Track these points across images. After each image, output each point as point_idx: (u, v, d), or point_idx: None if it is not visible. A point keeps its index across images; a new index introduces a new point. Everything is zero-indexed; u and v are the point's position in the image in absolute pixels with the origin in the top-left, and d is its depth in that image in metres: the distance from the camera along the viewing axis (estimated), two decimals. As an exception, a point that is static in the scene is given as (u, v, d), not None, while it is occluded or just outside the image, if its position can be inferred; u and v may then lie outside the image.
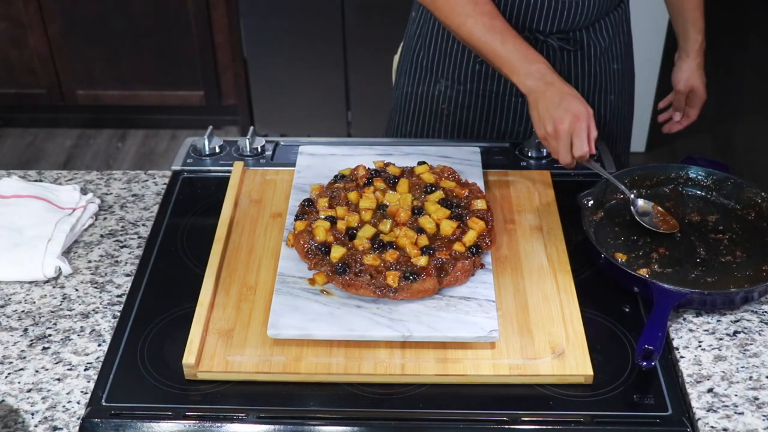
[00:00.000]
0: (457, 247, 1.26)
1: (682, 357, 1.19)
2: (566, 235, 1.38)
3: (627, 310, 1.27)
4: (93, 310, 1.28)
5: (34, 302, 1.30)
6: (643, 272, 1.29)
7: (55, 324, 1.26)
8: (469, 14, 1.48)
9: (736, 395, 1.14)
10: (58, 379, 1.17)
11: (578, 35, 1.65)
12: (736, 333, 1.23)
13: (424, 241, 1.27)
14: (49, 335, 1.24)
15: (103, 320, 1.26)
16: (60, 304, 1.29)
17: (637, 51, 3.26)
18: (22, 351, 1.22)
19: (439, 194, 1.35)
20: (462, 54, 1.66)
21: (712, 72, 4.16)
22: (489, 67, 1.63)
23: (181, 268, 1.35)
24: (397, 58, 1.87)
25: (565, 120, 1.38)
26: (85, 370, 1.19)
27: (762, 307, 1.28)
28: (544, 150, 1.58)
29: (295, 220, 1.34)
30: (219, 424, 1.11)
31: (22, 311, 1.28)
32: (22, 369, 1.19)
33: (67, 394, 1.15)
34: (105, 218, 1.47)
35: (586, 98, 1.60)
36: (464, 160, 1.50)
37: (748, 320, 1.26)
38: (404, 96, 1.79)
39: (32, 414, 1.12)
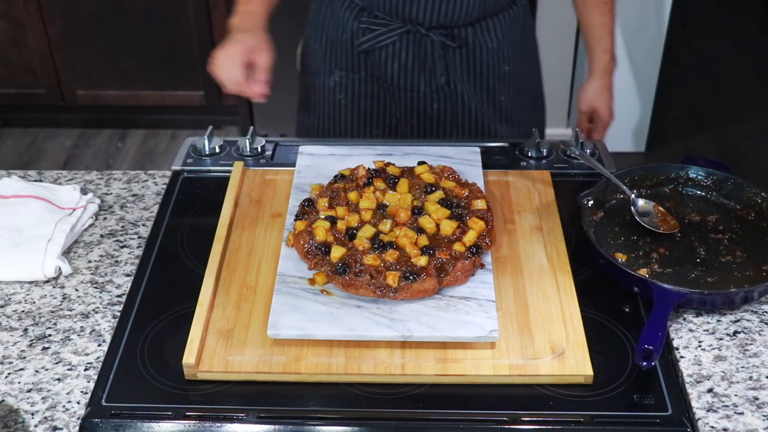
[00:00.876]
0: (457, 247, 1.26)
1: (682, 357, 1.19)
2: (566, 235, 1.38)
3: (627, 310, 1.27)
4: (93, 310, 1.28)
5: (34, 302, 1.30)
6: (643, 272, 1.29)
7: (55, 324, 1.26)
8: None
9: (736, 395, 1.14)
10: (58, 379, 1.17)
11: (462, 32, 1.65)
12: (736, 333, 1.23)
13: (424, 241, 1.27)
14: (49, 335, 1.24)
15: (103, 320, 1.26)
16: (60, 304, 1.29)
17: (636, 52, 3.28)
18: (22, 351, 1.22)
19: (439, 194, 1.36)
20: (352, 44, 1.69)
21: (713, 72, 4.18)
22: (376, 57, 1.67)
23: (181, 268, 1.35)
24: (299, 50, 1.89)
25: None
26: (85, 370, 1.19)
27: (762, 307, 1.28)
28: (544, 150, 1.58)
29: (295, 220, 1.34)
30: (219, 424, 1.11)
31: (22, 311, 1.28)
32: (22, 369, 1.19)
33: (67, 394, 1.15)
34: (105, 218, 1.47)
35: (473, 96, 1.68)
36: (464, 160, 1.50)
37: (748, 320, 1.26)
38: (305, 89, 1.81)
39: (32, 414, 1.12)
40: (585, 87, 1.77)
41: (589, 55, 1.76)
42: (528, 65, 1.78)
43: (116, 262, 1.38)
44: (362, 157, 1.49)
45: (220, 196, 1.46)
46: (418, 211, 1.33)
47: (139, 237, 1.43)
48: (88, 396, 1.14)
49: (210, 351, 1.18)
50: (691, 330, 1.24)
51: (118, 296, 1.31)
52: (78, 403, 1.14)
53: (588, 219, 1.38)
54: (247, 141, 1.59)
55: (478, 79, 1.71)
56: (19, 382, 1.17)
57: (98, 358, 1.20)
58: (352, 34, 1.68)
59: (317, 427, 1.11)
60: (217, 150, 1.60)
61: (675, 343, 1.22)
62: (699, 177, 1.47)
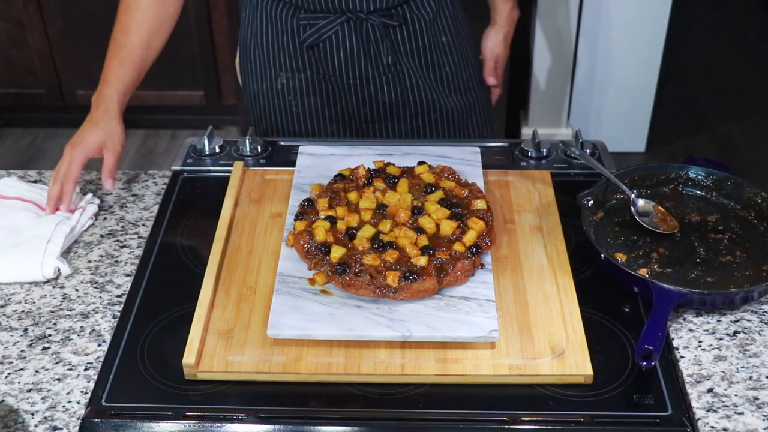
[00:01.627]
0: (457, 247, 1.26)
1: (682, 357, 1.19)
2: (566, 235, 1.38)
3: (627, 310, 1.27)
4: (93, 310, 1.28)
5: (34, 302, 1.30)
6: (643, 272, 1.29)
7: (55, 324, 1.26)
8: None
9: (736, 395, 1.14)
10: (58, 379, 1.17)
11: (400, 11, 1.67)
12: (736, 333, 1.23)
13: (424, 241, 1.27)
14: (49, 335, 1.24)
15: (103, 320, 1.26)
16: (60, 304, 1.29)
17: (636, 52, 3.27)
18: (22, 351, 1.22)
19: (439, 194, 1.36)
20: (294, 43, 1.70)
21: (713, 72, 4.18)
22: (321, 51, 1.68)
23: (181, 268, 1.35)
24: (237, 61, 1.90)
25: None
26: (85, 370, 1.19)
27: (762, 307, 1.28)
28: (544, 150, 1.58)
29: (295, 220, 1.34)
30: (219, 424, 1.11)
31: (22, 311, 1.28)
32: (22, 369, 1.19)
33: (67, 394, 1.15)
34: (105, 218, 1.47)
35: (419, 73, 1.72)
36: (464, 160, 1.50)
37: (748, 320, 1.26)
38: (252, 95, 1.81)
39: (32, 414, 1.12)
40: (488, 35, 1.88)
41: (492, 6, 1.86)
42: (462, 34, 1.80)
43: (116, 262, 1.38)
44: (362, 157, 1.49)
45: (220, 196, 1.46)
46: (418, 211, 1.33)
47: (139, 237, 1.43)
48: (88, 396, 1.14)
49: (210, 351, 1.18)
50: (691, 330, 1.24)
51: (118, 296, 1.31)
52: (78, 403, 1.14)
53: (588, 219, 1.38)
54: (247, 141, 1.59)
55: (422, 54, 1.73)
56: (19, 382, 1.17)
57: (98, 358, 1.20)
58: (292, 33, 1.69)
59: (317, 427, 1.11)
60: (217, 150, 1.60)
61: (675, 343, 1.22)
62: (699, 177, 1.47)
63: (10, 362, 1.20)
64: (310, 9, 1.65)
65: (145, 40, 1.62)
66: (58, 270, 1.34)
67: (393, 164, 1.43)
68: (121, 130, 1.60)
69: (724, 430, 1.10)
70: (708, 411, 1.12)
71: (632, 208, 1.40)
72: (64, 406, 1.13)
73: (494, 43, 1.88)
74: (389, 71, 1.71)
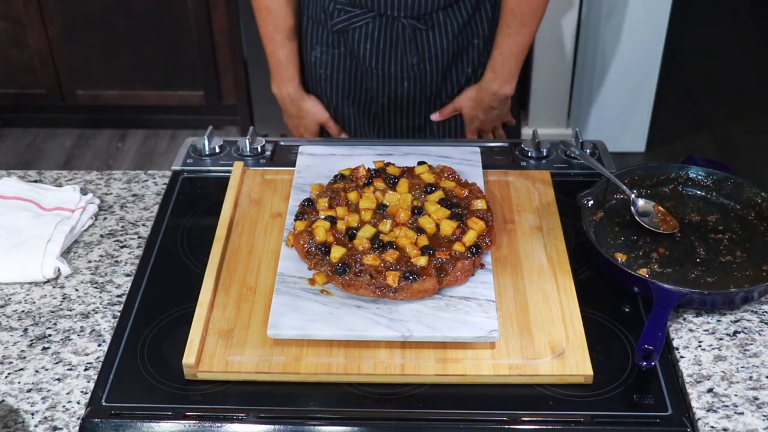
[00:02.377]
0: (457, 247, 1.26)
1: (682, 357, 1.19)
2: (566, 235, 1.38)
3: (627, 310, 1.27)
4: (93, 310, 1.28)
5: (34, 302, 1.30)
6: (643, 272, 1.29)
7: (55, 324, 1.26)
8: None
9: (736, 395, 1.14)
10: (58, 379, 1.17)
11: (432, 16, 1.69)
12: (736, 333, 1.23)
13: (424, 241, 1.27)
14: (49, 335, 1.24)
15: (103, 320, 1.27)
16: (60, 304, 1.29)
17: (636, 52, 3.27)
18: (22, 351, 1.22)
19: (439, 194, 1.36)
20: (327, 22, 1.74)
21: (713, 72, 4.18)
22: (350, 36, 1.73)
23: (181, 268, 1.35)
24: None
25: None
26: (85, 370, 1.19)
27: (762, 307, 1.28)
28: (544, 150, 1.58)
29: (295, 220, 1.34)
30: (219, 424, 1.11)
31: (22, 311, 1.28)
32: (22, 369, 1.19)
33: (67, 394, 1.15)
34: (105, 218, 1.47)
35: (442, 74, 1.75)
36: (464, 160, 1.50)
37: (748, 320, 1.26)
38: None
39: (32, 414, 1.12)
40: (467, 89, 1.80)
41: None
42: (493, 35, 1.77)
43: (116, 262, 1.38)
44: (362, 157, 1.49)
45: (220, 196, 1.46)
46: (418, 211, 1.33)
47: (139, 237, 1.43)
48: (88, 396, 1.14)
49: (210, 351, 1.18)
50: (691, 330, 1.24)
51: (118, 296, 1.31)
52: (78, 403, 1.14)
53: (588, 219, 1.38)
54: (247, 141, 1.59)
55: (448, 57, 1.74)
56: (19, 382, 1.17)
57: (98, 358, 1.20)
58: (327, 14, 1.73)
59: (317, 427, 1.11)
60: (217, 150, 1.60)
61: (675, 343, 1.22)
62: (699, 177, 1.47)
63: (10, 362, 1.20)
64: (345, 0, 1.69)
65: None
66: (58, 270, 1.34)
67: (393, 164, 1.43)
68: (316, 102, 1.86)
69: (724, 430, 1.10)
70: (708, 411, 1.12)
71: (632, 208, 1.40)
72: (64, 406, 1.13)
73: (464, 97, 1.79)
74: (412, 70, 1.74)
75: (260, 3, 1.76)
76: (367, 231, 1.29)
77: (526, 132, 3.35)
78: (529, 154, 1.58)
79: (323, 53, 1.79)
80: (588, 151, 1.57)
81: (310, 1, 1.76)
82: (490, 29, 1.76)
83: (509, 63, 1.74)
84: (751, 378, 1.16)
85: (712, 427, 1.10)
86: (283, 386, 1.15)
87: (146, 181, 1.57)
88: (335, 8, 1.71)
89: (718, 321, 1.25)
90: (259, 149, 1.59)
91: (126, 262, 1.37)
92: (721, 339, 1.22)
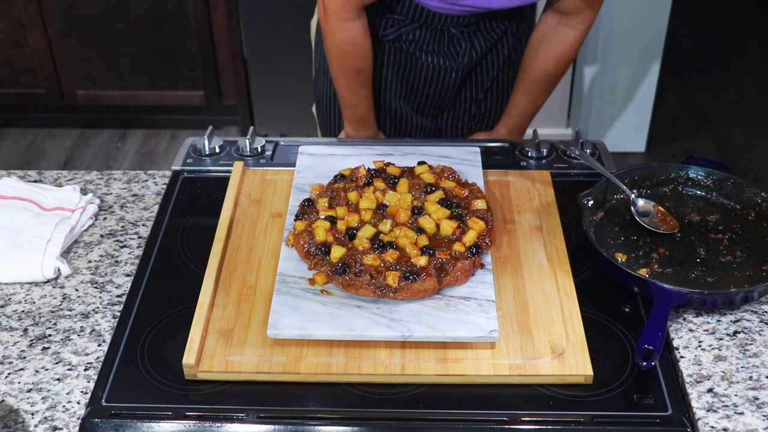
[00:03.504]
0: (457, 247, 1.26)
1: (682, 357, 1.19)
2: (566, 235, 1.38)
3: (627, 310, 1.27)
4: (93, 310, 1.28)
5: (34, 302, 1.30)
6: (643, 272, 1.29)
7: (55, 324, 1.26)
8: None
9: (736, 395, 1.14)
10: (58, 379, 1.17)
11: (481, 24, 1.74)
12: (736, 333, 1.23)
13: (424, 241, 1.27)
14: (49, 335, 1.24)
15: (103, 320, 1.27)
16: (60, 304, 1.29)
17: (636, 52, 3.27)
18: (22, 351, 1.22)
19: (439, 194, 1.36)
20: (377, 30, 1.74)
21: (713, 72, 4.18)
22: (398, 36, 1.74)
23: (181, 268, 1.35)
24: (313, 21, 1.92)
25: None
26: (85, 370, 1.19)
27: (762, 307, 1.28)
28: (544, 150, 1.58)
29: (295, 220, 1.34)
30: (219, 424, 1.11)
31: (22, 311, 1.28)
32: (22, 369, 1.19)
33: (67, 394, 1.15)
34: (105, 218, 1.47)
35: (489, 73, 1.80)
36: (464, 160, 1.50)
37: (748, 320, 1.26)
38: (324, 60, 1.84)
39: (32, 414, 1.12)
40: (477, 134, 1.89)
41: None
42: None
43: (116, 262, 1.38)
44: (362, 157, 1.49)
45: (220, 196, 1.46)
46: (418, 211, 1.33)
47: (139, 237, 1.43)
48: (88, 396, 1.14)
49: (210, 351, 1.18)
50: (691, 330, 1.24)
51: (118, 296, 1.31)
52: (78, 403, 1.14)
53: (588, 219, 1.38)
54: (247, 141, 1.59)
55: (500, 59, 1.78)
56: (19, 382, 1.17)
57: (98, 358, 1.20)
58: (374, 18, 1.72)
59: (317, 427, 1.11)
60: (217, 150, 1.60)
61: (675, 343, 1.22)
62: (699, 177, 1.47)
63: (10, 362, 1.20)
64: (395, 12, 1.70)
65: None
66: (58, 270, 1.34)
67: (393, 164, 1.43)
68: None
69: (724, 430, 1.10)
70: (708, 411, 1.12)
71: (632, 208, 1.40)
72: (64, 406, 1.13)
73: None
74: (461, 65, 1.75)
75: (352, 66, 1.71)
76: (367, 231, 1.29)
77: (526, 132, 3.35)
78: (529, 154, 1.58)
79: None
80: (588, 151, 1.57)
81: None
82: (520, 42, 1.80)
83: (524, 121, 1.85)
84: (751, 378, 1.16)
85: (712, 427, 1.10)
86: (283, 386, 1.15)
87: (146, 181, 1.57)
88: (388, 19, 1.71)
89: (718, 321, 1.25)
90: (259, 149, 1.59)
91: (126, 262, 1.37)
92: (721, 339, 1.22)
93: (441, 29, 1.71)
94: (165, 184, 1.55)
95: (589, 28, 1.70)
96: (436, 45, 1.72)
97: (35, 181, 1.55)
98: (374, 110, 1.81)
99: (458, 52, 1.73)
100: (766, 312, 1.27)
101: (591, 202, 1.40)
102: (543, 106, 1.88)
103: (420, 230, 1.29)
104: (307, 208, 1.35)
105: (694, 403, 1.13)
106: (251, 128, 1.64)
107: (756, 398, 1.13)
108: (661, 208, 1.41)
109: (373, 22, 1.71)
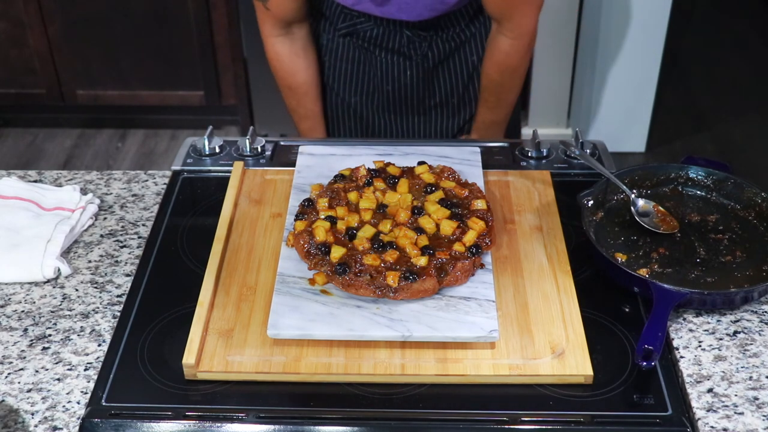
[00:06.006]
0: (457, 247, 1.26)
1: (682, 357, 1.19)
2: (566, 235, 1.38)
3: (627, 310, 1.27)
4: (93, 310, 1.28)
5: (34, 302, 1.30)
6: (643, 272, 1.29)
7: (55, 324, 1.26)
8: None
9: (736, 395, 1.14)
10: (58, 379, 1.17)
11: (432, 30, 1.75)
12: (736, 333, 1.23)
13: (424, 241, 1.27)
14: (49, 335, 1.24)
15: (103, 320, 1.27)
16: (60, 304, 1.29)
17: (636, 52, 3.27)
18: (22, 351, 1.22)
19: (439, 194, 1.36)
20: (334, 21, 1.76)
21: (713, 72, 4.18)
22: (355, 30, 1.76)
23: (181, 268, 1.35)
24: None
25: None
26: (85, 370, 1.19)
27: (762, 307, 1.28)
28: (544, 150, 1.58)
29: (295, 220, 1.34)
30: (219, 424, 1.11)
31: (22, 311, 1.28)
32: (22, 369, 1.19)
33: (67, 394, 1.15)
34: (105, 218, 1.47)
35: (446, 71, 1.80)
36: (464, 160, 1.50)
37: (748, 320, 1.26)
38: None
39: (32, 414, 1.12)
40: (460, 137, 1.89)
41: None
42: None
43: (116, 262, 1.38)
44: (362, 157, 1.49)
45: (220, 196, 1.46)
46: (418, 211, 1.33)
47: (139, 237, 1.43)
48: (88, 396, 1.14)
49: (210, 351, 1.18)
50: (691, 330, 1.24)
51: (118, 296, 1.31)
52: (78, 403, 1.14)
53: (588, 219, 1.38)
54: (247, 141, 1.59)
55: (453, 59, 1.78)
56: (19, 382, 1.17)
57: (98, 358, 1.20)
58: (335, 17, 1.75)
59: (317, 427, 1.11)
60: (217, 150, 1.60)
61: (675, 343, 1.22)
62: (699, 177, 1.47)
63: (10, 362, 1.20)
64: (348, 9, 1.71)
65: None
66: (58, 270, 1.34)
67: (393, 164, 1.43)
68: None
69: (724, 430, 1.10)
70: (708, 411, 1.12)
71: (632, 208, 1.40)
72: (64, 406, 1.13)
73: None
74: (419, 65, 1.76)
75: (283, 82, 1.83)
76: (367, 231, 1.29)
77: (526, 132, 3.35)
78: (529, 154, 1.58)
79: (329, 41, 1.81)
80: (588, 151, 1.57)
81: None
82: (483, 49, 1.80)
83: (492, 129, 1.84)
84: (751, 378, 1.16)
85: (712, 427, 1.10)
86: (283, 386, 1.15)
87: (146, 181, 1.57)
88: (341, 12, 1.73)
89: (718, 321, 1.25)
90: (259, 149, 1.59)
91: (126, 262, 1.37)
92: (721, 339, 1.22)
93: (396, 30, 1.72)
94: (165, 184, 1.55)
95: (525, 35, 1.68)
96: (392, 42, 1.74)
97: (35, 181, 1.55)
98: (337, 115, 1.86)
99: (416, 52, 1.74)
100: (766, 312, 1.27)
101: (591, 202, 1.40)
102: (509, 116, 1.86)
103: (420, 230, 1.29)
104: (307, 208, 1.35)
105: (694, 403, 1.13)
106: (251, 128, 1.64)
107: (756, 398, 1.13)
108: (661, 208, 1.41)
109: (331, 11, 1.74)
